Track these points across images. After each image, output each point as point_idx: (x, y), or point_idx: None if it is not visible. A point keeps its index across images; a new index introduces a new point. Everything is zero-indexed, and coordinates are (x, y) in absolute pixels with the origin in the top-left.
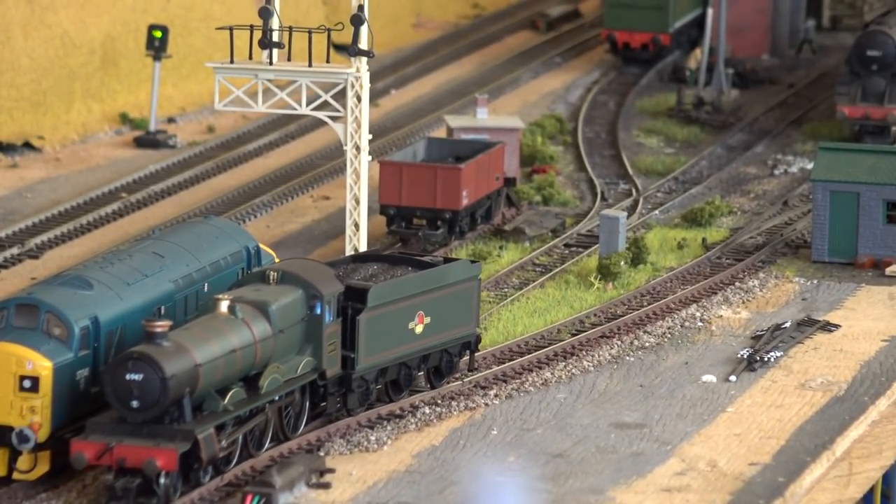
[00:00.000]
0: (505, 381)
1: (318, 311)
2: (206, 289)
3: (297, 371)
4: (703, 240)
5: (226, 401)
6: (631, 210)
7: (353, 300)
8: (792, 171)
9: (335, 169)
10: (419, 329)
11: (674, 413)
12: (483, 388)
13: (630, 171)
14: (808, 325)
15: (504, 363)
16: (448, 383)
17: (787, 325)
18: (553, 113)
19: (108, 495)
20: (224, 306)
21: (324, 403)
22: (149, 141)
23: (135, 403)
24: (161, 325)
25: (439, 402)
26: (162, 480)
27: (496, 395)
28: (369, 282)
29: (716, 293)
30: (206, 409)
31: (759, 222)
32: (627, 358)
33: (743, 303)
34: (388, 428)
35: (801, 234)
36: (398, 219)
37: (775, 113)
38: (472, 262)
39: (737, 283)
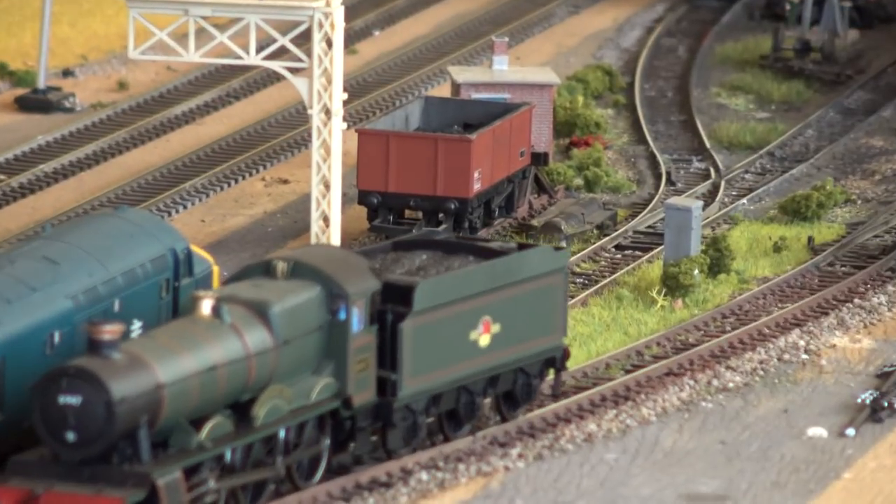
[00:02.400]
0: (533, 436)
1: (343, 315)
2: (116, 307)
3: (311, 397)
4: (810, 239)
5: (202, 435)
6: (709, 198)
7: (393, 302)
8: None
9: (296, 141)
10: (485, 341)
11: (768, 480)
12: (502, 444)
13: (707, 143)
14: None
15: (532, 410)
16: (524, 414)
17: None
18: (600, 63)
19: None
20: (206, 307)
21: (352, 443)
22: (36, 102)
23: (70, 436)
24: (110, 331)
25: (441, 464)
26: None
27: (520, 455)
28: (416, 276)
29: (827, 314)
30: (174, 445)
31: (887, 215)
32: (703, 404)
33: (864, 327)
34: (371, 500)
35: None
36: (384, 210)
37: None
38: (557, 248)
39: (856, 301)
